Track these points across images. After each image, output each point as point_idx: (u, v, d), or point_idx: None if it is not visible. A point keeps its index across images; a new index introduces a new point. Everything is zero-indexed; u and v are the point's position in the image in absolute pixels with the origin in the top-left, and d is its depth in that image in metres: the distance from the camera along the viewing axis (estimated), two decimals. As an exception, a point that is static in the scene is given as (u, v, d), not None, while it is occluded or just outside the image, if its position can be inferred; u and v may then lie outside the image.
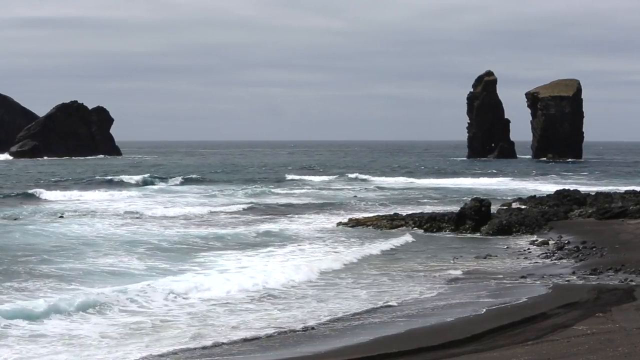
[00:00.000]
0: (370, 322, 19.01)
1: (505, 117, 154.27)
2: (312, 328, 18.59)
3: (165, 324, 19.15)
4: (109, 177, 80.00)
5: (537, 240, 33.84)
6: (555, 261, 28.58)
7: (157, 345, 17.04)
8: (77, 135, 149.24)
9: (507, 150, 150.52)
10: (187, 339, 17.56)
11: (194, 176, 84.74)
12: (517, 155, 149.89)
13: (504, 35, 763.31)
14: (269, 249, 32.23)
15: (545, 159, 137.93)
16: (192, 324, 19.14)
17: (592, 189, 59.55)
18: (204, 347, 16.88)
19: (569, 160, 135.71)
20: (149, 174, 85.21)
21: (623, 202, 44.13)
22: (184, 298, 21.91)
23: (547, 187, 68.21)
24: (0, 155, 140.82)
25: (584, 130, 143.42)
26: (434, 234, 37.52)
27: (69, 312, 19.56)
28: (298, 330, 18.36)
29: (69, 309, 19.69)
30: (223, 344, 17.10)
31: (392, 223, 40.17)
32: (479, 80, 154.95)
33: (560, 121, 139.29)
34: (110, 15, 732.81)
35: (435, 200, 56.43)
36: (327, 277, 25.79)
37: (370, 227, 39.81)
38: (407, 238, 34.97)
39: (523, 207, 46.05)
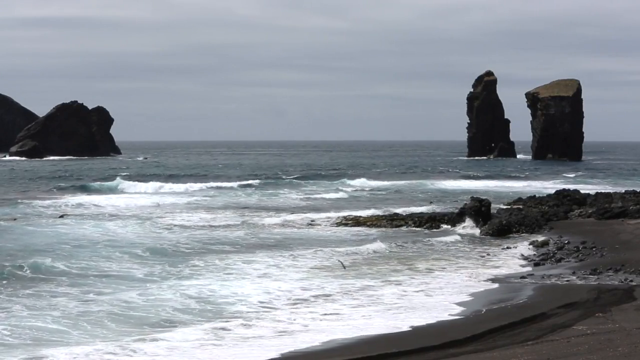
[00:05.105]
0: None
1: (505, 117, 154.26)
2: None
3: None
4: (118, 178, 76.18)
5: (537, 241, 33.80)
6: (555, 261, 28.56)
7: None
8: (77, 135, 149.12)
9: (507, 150, 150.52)
10: None
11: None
12: (517, 155, 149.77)
13: (505, 35, 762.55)
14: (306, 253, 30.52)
15: (545, 159, 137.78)
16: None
17: (592, 189, 59.49)
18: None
19: (569, 160, 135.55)
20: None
21: (623, 202, 44.14)
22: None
23: (547, 187, 68.20)
24: (0, 155, 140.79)
25: (584, 130, 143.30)
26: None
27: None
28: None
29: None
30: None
31: (392, 223, 40.15)
32: (479, 80, 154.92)
33: (560, 121, 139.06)
34: (110, 15, 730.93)
35: (435, 200, 56.33)
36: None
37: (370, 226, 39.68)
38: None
39: (523, 207, 46.04)
